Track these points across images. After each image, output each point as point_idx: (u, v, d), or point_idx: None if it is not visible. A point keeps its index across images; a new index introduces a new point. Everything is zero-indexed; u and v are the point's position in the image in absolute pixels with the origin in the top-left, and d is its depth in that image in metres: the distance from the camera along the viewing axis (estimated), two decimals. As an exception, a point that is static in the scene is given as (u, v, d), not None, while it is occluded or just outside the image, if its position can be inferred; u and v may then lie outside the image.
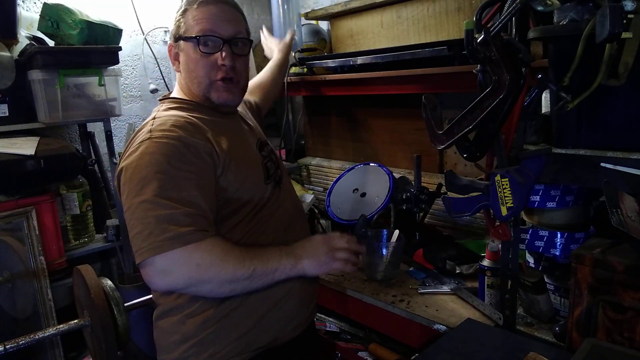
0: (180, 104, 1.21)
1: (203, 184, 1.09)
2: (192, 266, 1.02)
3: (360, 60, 1.85)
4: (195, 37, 1.17)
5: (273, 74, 1.86)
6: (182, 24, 1.20)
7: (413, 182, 1.74)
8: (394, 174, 1.92)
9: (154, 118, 1.16)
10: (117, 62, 2.19)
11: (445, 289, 1.50)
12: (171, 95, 1.28)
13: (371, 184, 1.89)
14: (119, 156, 2.25)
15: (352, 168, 2.04)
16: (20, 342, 1.29)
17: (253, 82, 1.74)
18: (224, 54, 1.17)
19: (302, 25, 2.30)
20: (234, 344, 1.13)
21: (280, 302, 1.18)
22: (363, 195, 1.89)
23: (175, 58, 1.25)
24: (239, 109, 1.38)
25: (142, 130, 1.13)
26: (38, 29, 2.06)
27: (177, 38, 1.22)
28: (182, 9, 1.21)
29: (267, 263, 1.11)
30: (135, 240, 1.02)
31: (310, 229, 1.99)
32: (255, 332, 1.15)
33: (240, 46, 1.22)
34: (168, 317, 1.17)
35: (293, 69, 2.12)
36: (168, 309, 1.16)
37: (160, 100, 1.28)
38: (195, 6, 1.19)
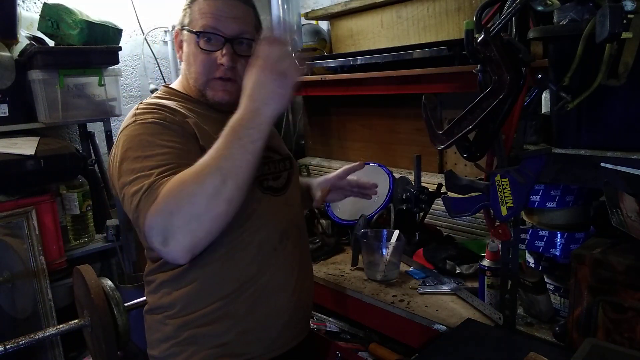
0: (174, 96, 1.18)
1: (184, 146, 1.02)
2: (167, 216, 0.87)
3: (360, 60, 1.85)
4: (196, 32, 1.12)
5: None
6: (188, 13, 1.15)
7: (413, 182, 1.74)
8: (393, 174, 1.92)
9: (141, 102, 1.14)
10: (117, 62, 2.19)
11: (445, 289, 1.50)
12: (170, 85, 1.24)
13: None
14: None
15: (352, 168, 2.04)
16: (20, 342, 1.29)
17: None
18: (224, 53, 1.11)
19: (302, 25, 2.30)
20: (212, 350, 1.11)
21: (266, 318, 1.14)
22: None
23: (179, 46, 1.20)
24: None
25: (128, 116, 1.11)
26: (38, 29, 2.06)
27: (182, 27, 1.17)
28: (190, 1, 1.16)
29: (227, 149, 0.91)
30: (130, 214, 0.96)
31: (310, 229, 1.99)
32: (235, 344, 1.12)
33: (244, 46, 1.14)
34: (152, 315, 1.17)
35: (293, 69, 2.12)
36: (153, 306, 1.16)
37: (162, 86, 1.26)
38: None
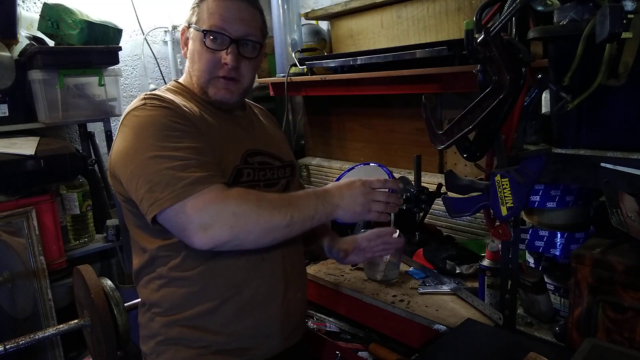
0: (179, 89, 1.19)
1: (205, 143, 1.07)
2: (229, 215, 0.97)
3: (360, 60, 1.84)
4: (203, 30, 1.13)
5: None
6: (196, 12, 1.16)
7: (413, 182, 1.74)
8: (393, 174, 1.92)
9: (147, 92, 1.14)
10: (117, 62, 2.19)
11: (445, 289, 1.50)
12: (179, 80, 1.25)
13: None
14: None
15: (352, 168, 2.04)
16: (20, 342, 1.29)
17: None
18: (229, 52, 1.13)
19: (302, 25, 2.30)
20: (195, 350, 1.11)
21: (253, 327, 1.13)
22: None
23: (185, 43, 1.21)
24: (259, 114, 1.35)
25: (134, 101, 1.10)
26: (38, 29, 2.06)
27: (189, 24, 1.18)
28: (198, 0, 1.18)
29: (304, 210, 1.05)
30: (150, 194, 0.97)
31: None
32: (220, 349, 1.11)
33: (249, 48, 1.16)
34: (142, 310, 1.17)
35: (293, 69, 2.12)
36: (143, 302, 1.16)
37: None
38: None
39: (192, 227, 0.97)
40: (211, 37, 1.13)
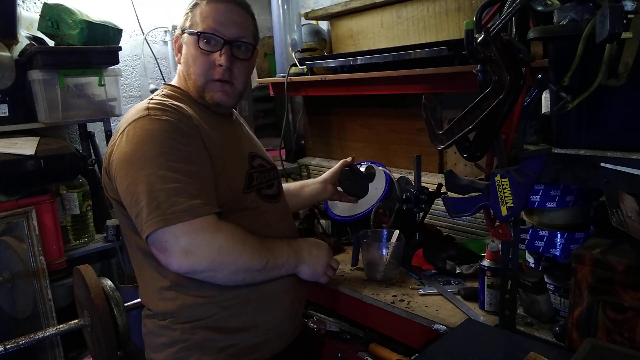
0: (179, 95, 1.20)
1: (205, 164, 1.08)
2: (215, 248, 1.02)
3: (360, 60, 1.84)
4: (197, 33, 1.15)
5: (298, 197, 1.62)
6: (190, 17, 1.19)
7: (413, 182, 1.74)
8: (392, 174, 1.92)
9: (151, 99, 1.14)
10: (117, 62, 2.19)
11: (445, 289, 1.50)
12: (173, 83, 1.26)
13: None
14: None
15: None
16: (20, 342, 1.29)
17: None
18: (222, 54, 1.15)
19: (302, 25, 2.30)
20: (224, 350, 1.12)
21: (274, 320, 1.19)
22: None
23: (178, 49, 1.24)
24: (241, 120, 1.39)
25: (138, 108, 1.11)
26: (38, 29, 2.06)
27: (183, 30, 1.21)
28: (193, 2, 1.20)
29: (278, 258, 1.13)
30: (142, 214, 0.99)
31: (310, 229, 1.99)
32: (242, 347, 1.14)
33: (242, 50, 1.19)
34: (155, 319, 1.16)
35: (293, 69, 2.12)
36: (156, 312, 1.15)
37: (164, 84, 1.27)
38: (205, 2, 1.17)
39: (176, 250, 0.99)
40: (204, 39, 1.15)
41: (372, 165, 1.70)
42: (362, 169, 1.67)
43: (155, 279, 1.13)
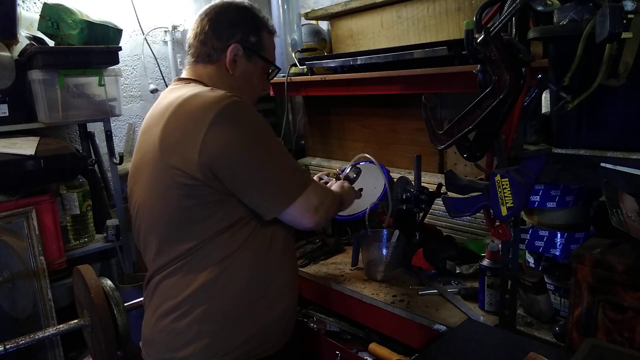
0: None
1: None
2: (330, 202, 1.24)
3: (360, 60, 1.84)
4: (274, 66, 1.31)
5: None
6: (256, 37, 1.24)
7: (413, 182, 1.74)
8: (392, 174, 1.92)
9: (214, 92, 1.11)
10: (117, 62, 2.19)
11: (445, 289, 1.50)
12: (197, 78, 1.22)
13: (368, 180, 1.89)
14: (119, 156, 2.27)
15: (347, 168, 2.04)
16: (20, 342, 1.29)
17: None
18: (270, 85, 1.36)
19: (302, 25, 2.30)
20: (248, 336, 1.15)
21: (283, 312, 1.23)
22: (360, 190, 1.89)
23: (233, 59, 1.22)
24: None
25: (214, 97, 1.07)
26: (38, 29, 2.06)
27: (252, 50, 1.23)
28: (255, 25, 1.24)
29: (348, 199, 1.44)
30: (283, 183, 1.13)
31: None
32: (255, 338, 1.17)
33: None
34: (181, 313, 1.13)
35: (293, 69, 2.12)
36: (185, 301, 1.12)
37: (178, 79, 1.23)
38: (267, 31, 1.27)
39: (308, 206, 1.15)
40: (274, 73, 1.33)
41: (356, 166, 1.70)
42: (349, 170, 1.67)
43: (198, 257, 1.13)
